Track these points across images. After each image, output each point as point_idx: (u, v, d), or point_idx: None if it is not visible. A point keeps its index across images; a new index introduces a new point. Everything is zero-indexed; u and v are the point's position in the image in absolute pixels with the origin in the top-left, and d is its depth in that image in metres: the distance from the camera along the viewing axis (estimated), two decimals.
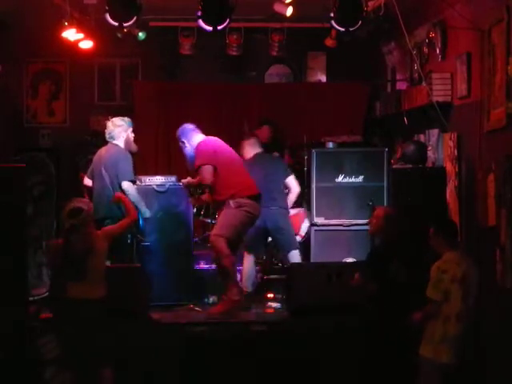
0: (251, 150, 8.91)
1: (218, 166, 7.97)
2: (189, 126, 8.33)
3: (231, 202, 7.93)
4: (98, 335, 6.27)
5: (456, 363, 5.98)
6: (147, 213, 8.17)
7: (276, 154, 10.53)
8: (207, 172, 7.95)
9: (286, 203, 8.84)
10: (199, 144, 8.14)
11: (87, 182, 8.33)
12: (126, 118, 8.30)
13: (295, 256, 8.65)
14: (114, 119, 8.24)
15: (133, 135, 8.30)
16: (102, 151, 8.21)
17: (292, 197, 8.94)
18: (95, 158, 8.26)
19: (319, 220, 9.13)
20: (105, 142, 8.34)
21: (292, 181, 8.92)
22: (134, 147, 8.31)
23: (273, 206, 8.59)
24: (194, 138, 8.23)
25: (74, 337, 6.23)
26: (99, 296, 6.31)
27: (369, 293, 6.60)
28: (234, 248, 8.01)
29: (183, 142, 8.27)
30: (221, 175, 7.98)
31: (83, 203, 6.52)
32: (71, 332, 6.24)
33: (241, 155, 8.72)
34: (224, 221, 7.96)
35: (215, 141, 8.27)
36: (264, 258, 9.49)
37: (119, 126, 8.17)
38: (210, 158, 7.99)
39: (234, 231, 7.93)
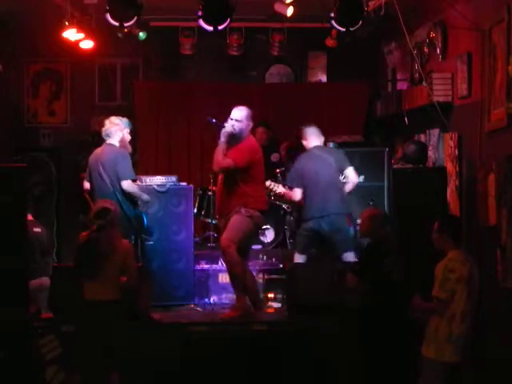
0: (311, 139, 8.51)
1: (249, 170, 7.84)
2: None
3: (243, 210, 7.81)
4: (111, 338, 6.29)
5: (460, 362, 5.97)
6: (146, 197, 8.17)
7: (276, 155, 10.55)
8: (241, 167, 7.79)
9: (342, 205, 8.39)
10: (254, 141, 8.03)
11: (86, 185, 8.30)
12: (124, 119, 8.28)
13: (350, 257, 8.28)
14: (111, 117, 8.23)
15: (129, 137, 8.27)
16: (98, 151, 8.18)
17: (349, 187, 8.47)
18: (91, 158, 8.22)
19: None
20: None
21: (351, 172, 8.43)
22: (128, 148, 8.27)
23: (327, 213, 8.24)
24: (249, 125, 8.02)
25: (86, 338, 6.26)
26: (114, 298, 6.34)
27: (361, 292, 6.62)
28: (242, 256, 7.92)
29: (240, 121, 7.91)
30: (245, 179, 7.85)
31: (111, 204, 6.62)
32: (84, 333, 6.28)
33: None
34: (237, 226, 7.81)
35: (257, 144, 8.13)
36: (265, 258, 9.49)
37: (116, 124, 8.16)
38: (251, 160, 7.84)
39: (244, 238, 7.83)
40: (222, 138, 7.86)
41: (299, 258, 8.42)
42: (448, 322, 5.93)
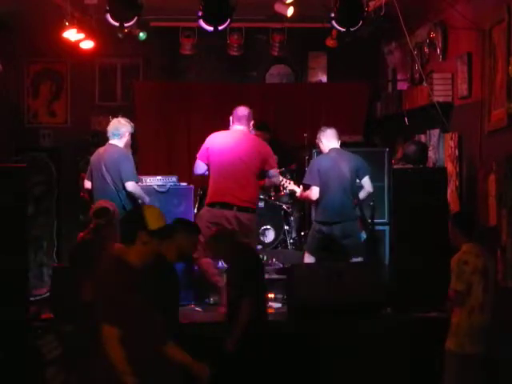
0: (327, 143, 8.42)
1: (208, 165, 8.18)
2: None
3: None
4: None
5: (483, 353, 6.04)
6: (148, 199, 8.17)
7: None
8: (196, 166, 8.26)
9: (354, 211, 8.40)
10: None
11: (87, 184, 8.27)
12: (131, 122, 8.30)
13: None
14: (120, 118, 8.23)
15: (130, 140, 8.31)
16: (101, 151, 8.17)
17: (362, 194, 8.37)
18: (93, 158, 8.20)
19: None
20: (105, 142, 8.33)
21: (367, 181, 8.32)
22: (129, 150, 8.29)
23: (340, 220, 8.20)
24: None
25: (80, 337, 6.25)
26: None
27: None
28: None
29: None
30: (209, 176, 8.19)
31: (109, 204, 6.62)
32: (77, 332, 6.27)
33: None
34: None
35: (215, 137, 8.27)
36: (265, 258, 9.48)
37: (126, 125, 8.15)
38: (202, 154, 8.21)
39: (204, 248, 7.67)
40: None
41: (309, 259, 8.42)
42: (468, 314, 6.03)
